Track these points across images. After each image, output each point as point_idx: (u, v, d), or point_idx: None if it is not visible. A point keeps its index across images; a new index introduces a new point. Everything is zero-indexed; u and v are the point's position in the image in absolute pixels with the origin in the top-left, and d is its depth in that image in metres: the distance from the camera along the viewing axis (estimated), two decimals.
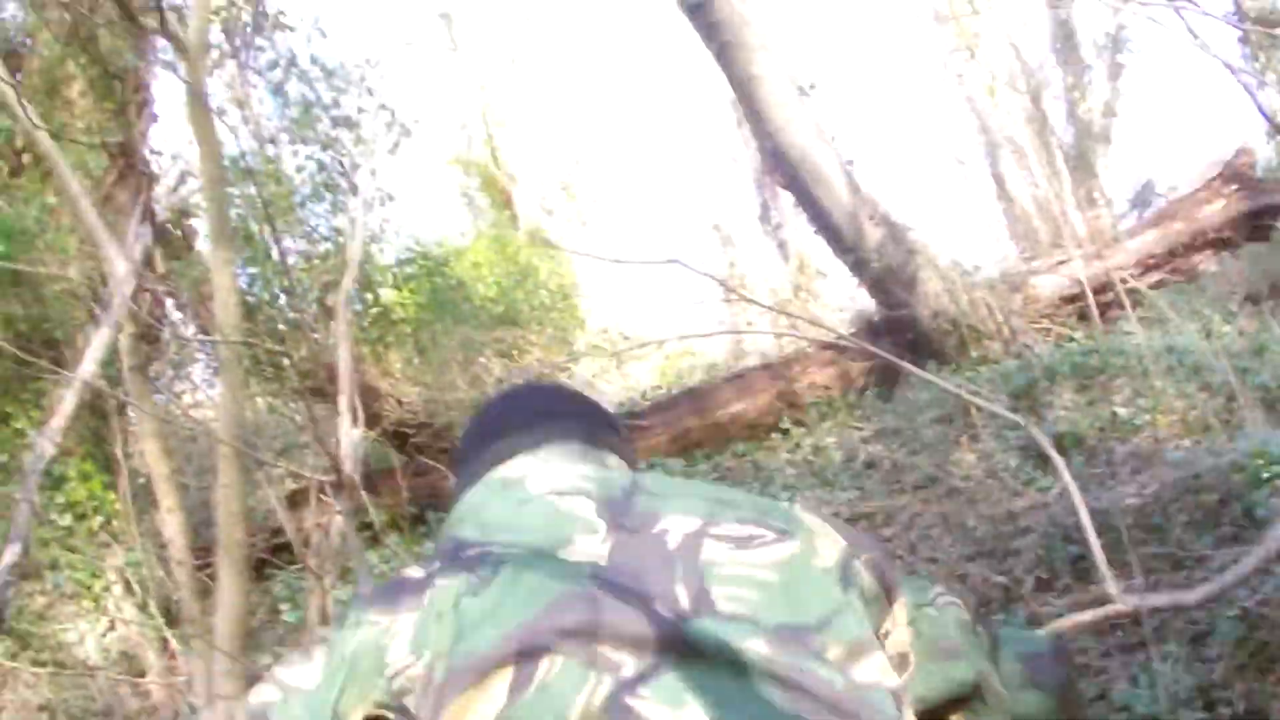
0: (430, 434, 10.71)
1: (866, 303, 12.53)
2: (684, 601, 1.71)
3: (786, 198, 14.86)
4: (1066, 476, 2.26)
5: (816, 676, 1.66)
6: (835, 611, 1.77)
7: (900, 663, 1.90)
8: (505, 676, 1.62)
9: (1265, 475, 5.76)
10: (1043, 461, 7.41)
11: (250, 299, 10.26)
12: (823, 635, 1.72)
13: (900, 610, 1.95)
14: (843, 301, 15.77)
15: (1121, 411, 7.83)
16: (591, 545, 1.80)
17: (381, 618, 1.75)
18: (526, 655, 1.63)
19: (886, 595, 1.92)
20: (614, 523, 1.84)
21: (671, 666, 1.64)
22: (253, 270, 10.40)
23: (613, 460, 2.10)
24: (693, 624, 1.68)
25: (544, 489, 1.94)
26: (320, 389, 8.21)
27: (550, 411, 2.16)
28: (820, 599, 1.78)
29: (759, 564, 1.78)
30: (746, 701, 1.62)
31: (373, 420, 9.96)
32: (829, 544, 1.88)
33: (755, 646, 1.67)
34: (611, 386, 13.17)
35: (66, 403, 6.57)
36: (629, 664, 1.63)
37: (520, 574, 1.75)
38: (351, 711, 1.68)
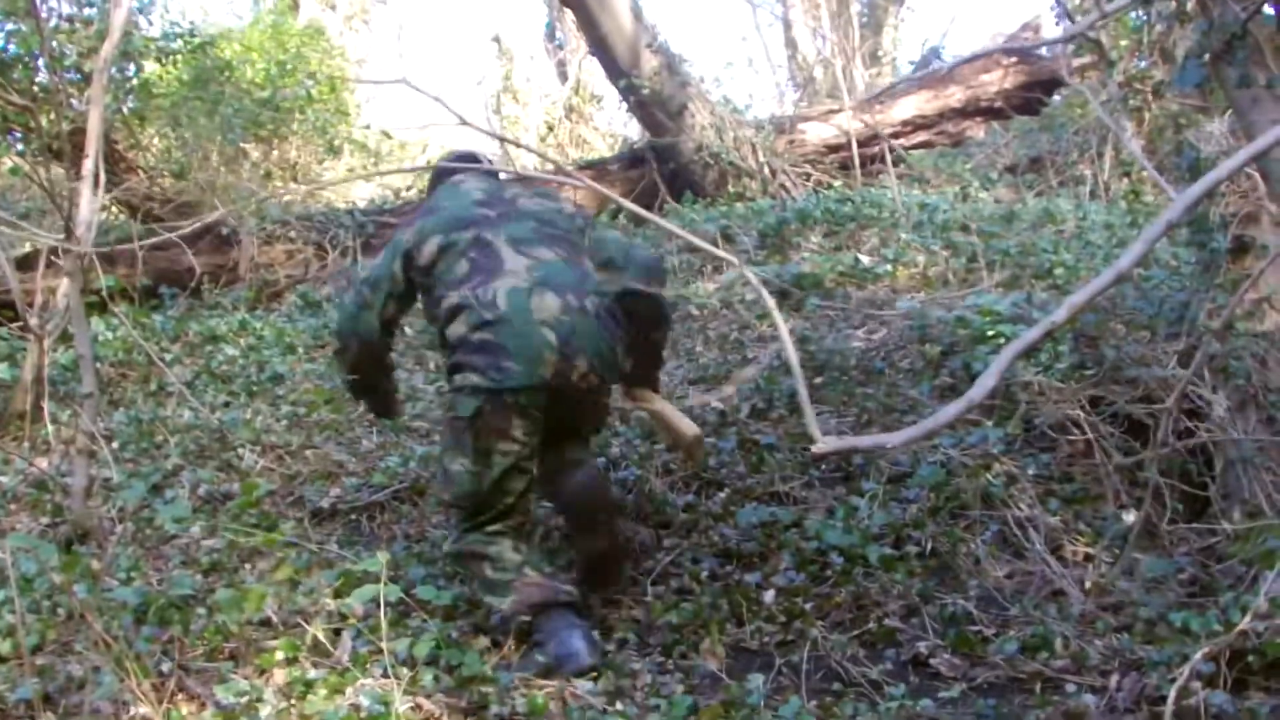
0: (175, 210, 10.38)
1: (637, 130, 12.46)
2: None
3: (573, 17, 14.61)
4: (779, 321, 2.19)
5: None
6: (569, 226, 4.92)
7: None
8: (442, 239, 4.72)
9: (989, 333, 5.83)
10: (782, 298, 7.42)
11: (4, 56, 9.76)
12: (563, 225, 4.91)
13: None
14: (615, 127, 15.67)
15: (865, 259, 7.89)
16: (484, 200, 4.89)
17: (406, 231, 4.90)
18: (458, 226, 4.73)
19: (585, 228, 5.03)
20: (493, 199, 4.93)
21: (504, 226, 4.73)
22: (10, 28, 9.88)
23: (498, 185, 5.12)
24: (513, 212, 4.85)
25: (472, 188, 5.00)
26: (62, 154, 7.86)
27: (476, 162, 5.19)
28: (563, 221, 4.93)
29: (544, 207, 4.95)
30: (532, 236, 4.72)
31: (117, 189, 9.61)
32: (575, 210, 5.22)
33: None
34: (370, 184, 12.94)
35: None
36: (490, 227, 4.71)
37: (454, 214, 4.82)
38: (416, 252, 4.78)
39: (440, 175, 5.27)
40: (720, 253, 2.70)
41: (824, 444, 1.88)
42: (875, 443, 1.99)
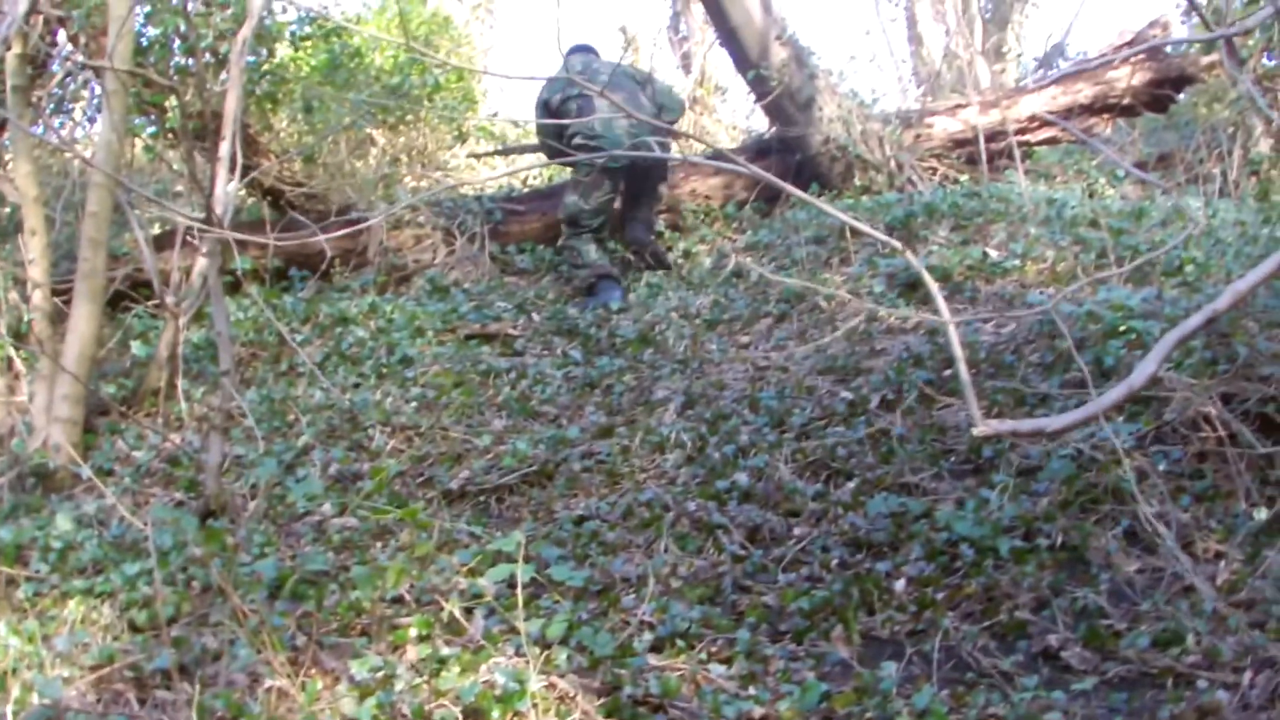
0: (304, 194, 10.52)
1: (760, 122, 12.48)
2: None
3: (698, 10, 14.64)
4: (942, 305, 2.20)
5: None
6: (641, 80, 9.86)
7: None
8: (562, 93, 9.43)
9: (1121, 328, 5.80)
10: (907, 291, 7.44)
11: (143, 38, 9.90)
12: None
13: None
14: (738, 119, 15.68)
15: (993, 254, 7.86)
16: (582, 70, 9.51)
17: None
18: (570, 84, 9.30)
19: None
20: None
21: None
22: (148, 9, 10.03)
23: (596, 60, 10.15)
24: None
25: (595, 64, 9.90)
26: (201, 136, 7.99)
27: (591, 51, 10.27)
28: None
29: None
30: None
31: (249, 173, 9.76)
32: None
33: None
34: (496, 171, 13.00)
35: None
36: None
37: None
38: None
39: (569, 54, 9.78)
40: (888, 239, 2.74)
41: (984, 426, 1.91)
42: (1035, 426, 2.01)
